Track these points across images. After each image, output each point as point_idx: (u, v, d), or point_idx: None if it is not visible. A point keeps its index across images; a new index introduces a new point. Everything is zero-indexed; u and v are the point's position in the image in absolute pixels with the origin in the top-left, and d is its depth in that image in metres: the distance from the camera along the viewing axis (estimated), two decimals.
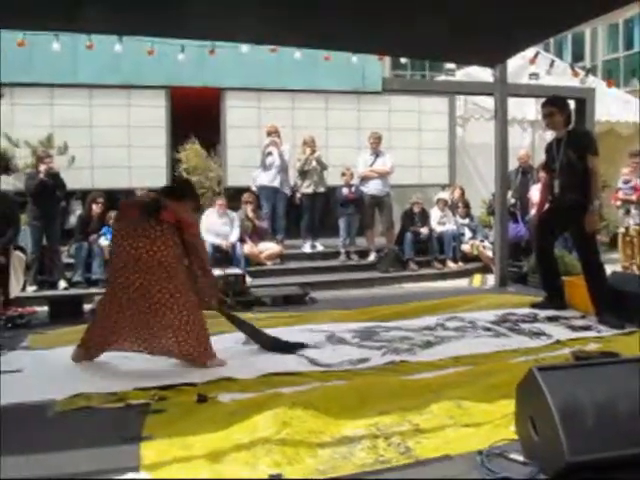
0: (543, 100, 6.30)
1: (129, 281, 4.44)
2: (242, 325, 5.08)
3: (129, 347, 4.55)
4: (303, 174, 10.59)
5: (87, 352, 4.62)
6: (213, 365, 4.47)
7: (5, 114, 9.73)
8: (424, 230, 10.75)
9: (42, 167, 8.58)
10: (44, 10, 5.37)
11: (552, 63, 12.00)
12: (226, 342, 5.11)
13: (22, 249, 8.32)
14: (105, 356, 4.70)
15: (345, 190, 10.62)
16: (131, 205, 4.82)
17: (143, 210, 4.51)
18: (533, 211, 10.03)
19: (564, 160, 5.89)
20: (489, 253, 10.17)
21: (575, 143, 5.87)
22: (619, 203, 9.98)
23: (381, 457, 2.96)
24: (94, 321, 4.68)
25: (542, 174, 9.40)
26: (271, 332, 5.44)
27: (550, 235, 6.30)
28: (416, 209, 10.93)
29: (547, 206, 6.35)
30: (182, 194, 4.81)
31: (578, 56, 33.21)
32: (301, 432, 3.15)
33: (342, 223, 10.63)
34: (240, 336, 5.29)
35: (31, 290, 8.44)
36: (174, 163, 11.34)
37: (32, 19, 5.82)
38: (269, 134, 10.53)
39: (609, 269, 6.39)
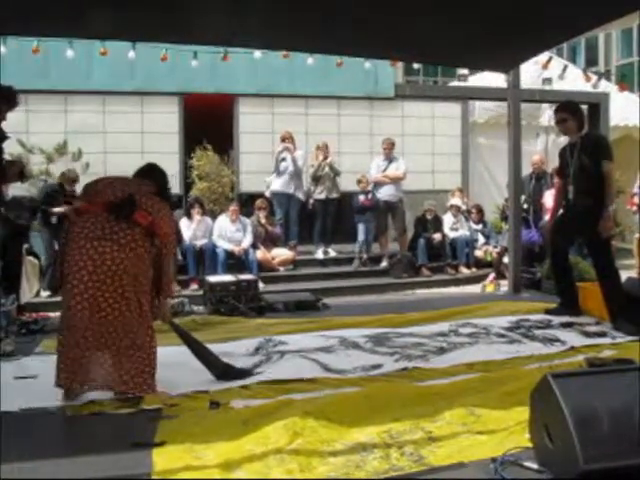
0: (556, 106, 6.27)
1: (84, 291, 3.82)
2: (193, 344, 4.50)
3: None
4: (316, 180, 10.60)
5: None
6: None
7: (19, 121, 9.80)
8: (437, 236, 10.73)
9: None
10: (53, 15, 5.40)
11: (565, 68, 11.96)
12: (235, 349, 5.12)
13: (35, 255, 8.37)
14: None
15: (361, 197, 10.61)
16: (99, 199, 4.04)
17: (114, 209, 3.93)
18: (547, 217, 10.00)
19: (578, 165, 5.85)
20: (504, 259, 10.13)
21: (589, 148, 5.83)
22: (634, 208, 9.92)
23: (394, 466, 2.94)
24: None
25: (556, 179, 9.41)
26: (284, 338, 5.45)
27: (565, 240, 6.26)
28: (429, 215, 10.92)
29: (561, 211, 6.32)
30: (149, 174, 4.35)
31: (592, 61, 33.06)
32: (313, 442, 3.14)
33: (360, 229, 10.61)
34: (252, 343, 5.30)
35: (45, 295, 8.47)
36: (187, 169, 11.37)
37: (40, 25, 5.85)
38: (283, 140, 10.54)
39: (624, 275, 6.34)
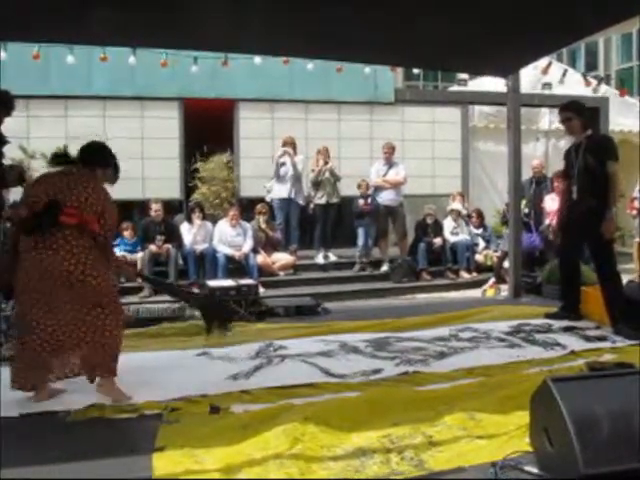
0: (560, 105, 6.27)
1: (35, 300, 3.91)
2: (168, 287, 4.54)
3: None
4: (316, 185, 10.60)
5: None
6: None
7: (20, 126, 9.81)
8: (437, 240, 10.73)
9: None
10: (54, 20, 5.42)
11: (565, 72, 11.98)
12: (236, 353, 5.12)
13: None
14: (119, 366, 4.71)
15: (361, 201, 10.62)
16: (24, 214, 4.05)
17: (38, 220, 3.93)
18: (547, 221, 10.01)
19: (582, 165, 5.82)
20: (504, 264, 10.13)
21: (595, 148, 5.82)
22: (634, 213, 9.92)
23: (394, 471, 2.93)
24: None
25: (557, 183, 9.41)
26: (284, 343, 5.44)
27: (573, 242, 6.19)
28: (429, 220, 10.92)
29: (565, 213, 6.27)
30: (90, 160, 4.26)
31: (592, 66, 33.10)
32: (313, 448, 3.14)
33: (361, 234, 10.61)
34: (253, 347, 5.30)
35: None
36: (188, 174, 11.38)
37: (41, 30, 5.87)
38: (285, 144, 10.54)
39: (625, 279, 6.34)
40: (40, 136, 10.41)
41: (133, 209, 11.60)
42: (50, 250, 3.90)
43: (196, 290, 4.25)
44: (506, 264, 9.30)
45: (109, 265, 4.18)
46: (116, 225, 4.41)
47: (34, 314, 3.91)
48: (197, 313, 6.03)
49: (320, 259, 10.72)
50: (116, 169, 4.50)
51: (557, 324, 6.01)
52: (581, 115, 5.98)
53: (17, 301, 4.13)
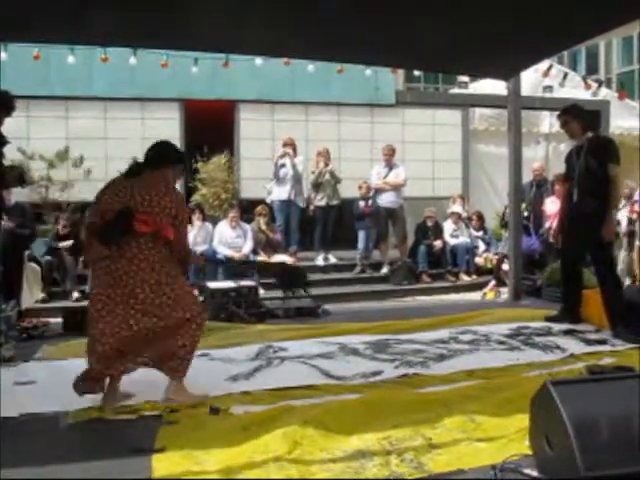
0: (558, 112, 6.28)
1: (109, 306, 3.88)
2: None
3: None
4: (316, 187, 10.60)
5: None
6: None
7: (20, 127, 9.82)
8: (437, 243, 10.73)
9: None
10: (54, 21, 5.42)
11: (566, 76, 11.97)
12: (236, 354, 5.12)
13: (37, 260, 8.37)
14: None
15: (362, 203, 10.62)
16: (97, 222, 4.01)
17: (111, 228, 3.91)
18: (547, 224, 10.01)
19: (584, 167, 5.81)
20: (504, 266, 10.13)
21: (596, 150, 5.81)
22: (635, 216, 9.92)
23: (394, 473, 2.93)
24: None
25: (558, 186, 9.41)
26: (284, 344, 5.45)
27: (574, 244, 6.17)
28: (429, 222, 10.92)
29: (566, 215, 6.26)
30: (159, 160, 4.13)
31: (593, 69, 33.15)
32: (313, 451, 3.14)
33: (361, 236, 10.61)
34: (253, 349, 5.29)
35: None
36: (189, 175, 11.36)
37: (41, 31, 5.87)
38: (285, 146, 10.54)
39: (624, 282, 6.34)
40: (40, 137, 10.43)
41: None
42: (124, 259, 3.86)
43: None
44: (505, 267, 9.30)
45: (183, 269, 4.17)
46: (187, 222, 4.30)
47: (106, 322, 3.84)
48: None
49: (320, 261, 10.72)
50: (183, 162, 4.39)
51: (557, 327, 6.01)
52: (579, 118, 5.99)
53: (89, 305, 4.03)
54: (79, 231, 9.32)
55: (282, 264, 4.15)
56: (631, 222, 10.01)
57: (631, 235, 10.03)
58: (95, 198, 4.12)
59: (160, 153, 4.19)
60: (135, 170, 4.12)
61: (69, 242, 8.92)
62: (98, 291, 3.91)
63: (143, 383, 4.35)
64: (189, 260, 4.43)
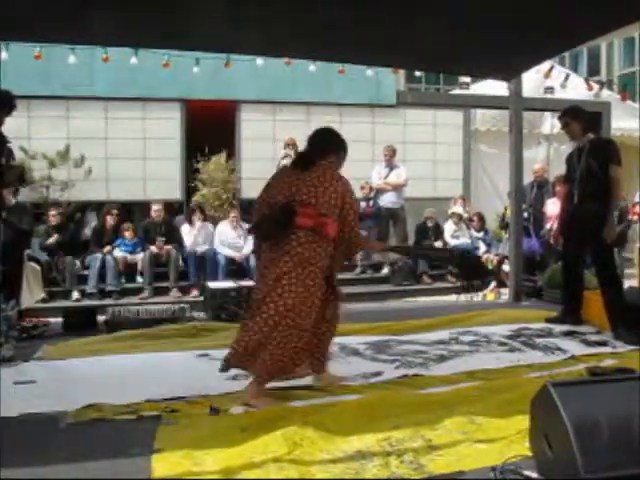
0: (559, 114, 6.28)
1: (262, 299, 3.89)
2: (417, 250, 4.37)
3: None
4: None
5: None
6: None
7: (21, 126, 9.82)
8: (438, 244, 10.72)
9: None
10: (55, 20, 5.42)
11: (567, 77, 11.97)
12: None
13: (37, 260, 8.37)
14: (118, 367, 4.71)
15: (363, 204, 10.61)
16: (262, 216, 4.04)
17: (273, 224, 3.89)
18: (548, 225, 10.00)
19: (585, 168, 5.81)
20: (504, 267, 10.13)
21: (597, 151, 5.80)
22: (635, 218, 9.91)
23: (394, 474, 2.93)
24: None
25: (559, 188, 9.39)
26: None
27: (575, 246, 6.17)
28: (429, 223, 10.91)
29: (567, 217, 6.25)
30: (324, 149, 4.10)
31: (594, 70, 33.12)
32: (312, 452, 3.13)
33: None
34: None
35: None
36: (190, 174, 11.37)
37: (42, 31, 5.87)
38: (287, 146, 10.54)
39: (625, 284, 6.33)
40: (41, 137, 10.42)
41: (134, 210, 11.59)
42: (286, 255, 3.84)
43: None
44: (506, 268, 9.29)
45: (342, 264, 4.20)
46: (356, 211, 4.21)
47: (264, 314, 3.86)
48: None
49: None
50: (346, 150, 4.30)
51: (558, 328, 6.00)
52: (579, 119, 5.98)
53: (254, 293, 4.08)
54: (71, 227, 9.38)
55: (456, 251, 3.86)
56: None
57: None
58: (262, 192, 4.14)
59: (326, 141, 4.17)
60: (302, 160, 4.09)
61: (56, 236, 8.83)
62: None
63: (143, 384, 4.35)
64: (360, 246, 4.36)
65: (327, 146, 4.11)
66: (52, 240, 8.81)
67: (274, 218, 3.87)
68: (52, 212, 9.08)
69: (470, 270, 3.83)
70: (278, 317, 3.81)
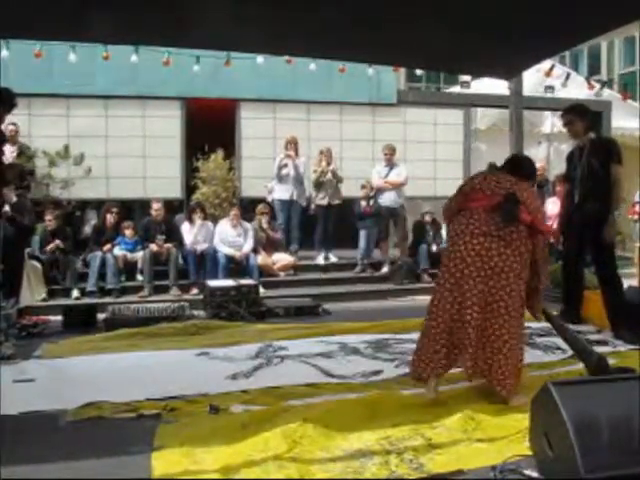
0: (563, 109, 6.26)
1: (474, 287, 3.83)
2: (568, 337, 4.28)
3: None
4: (318, 186, 10.58)
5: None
6: (514, 402, 3.78)
7: (22, 124, 9.81)
8: (435, 243, 10.68)
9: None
10: (55, 18, 5.41)
11: (568, 76, 11.96)
12: (236, 353, 5.12)
13: (37, 258, 8.36)
14: (118, 365, 4.71)
15: (363, 203, 10.59)
16: (477, 196, 4.08)
17: (501, 209, 3.88)
18: (548, 224, 9.99)
19: (586, 168, 5.80)
20: None
21: (598, 151, 5.79)
22: (635, 217, 9.91)
23: (393, 473, 2.93)
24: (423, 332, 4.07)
25: (559, 187, 9.39)
26: (284, 344, 5.44)
27: (575, 245, 6.17)
28: (427, 218, 10.86)
29: (567, 216, 6.25)
30: (523, 171, 4.20)
31: (594, 69, 33.08)
32: (312, 450, 3.13)
33: (362, 236, 10.58)
34: (253, 348, 5.28)
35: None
36: (190, 173, 11.36)
37: (42, 28, 5.86)
38: (287, 144, 10.52)
39: (625, 284, 6.32)
40: (42, 135, 10.41)
41: (134, 208, 11.58)
42: (504, 244, 3.84)
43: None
44: None
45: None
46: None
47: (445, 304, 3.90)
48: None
49: (321, 260, 10.70)
50: (534, 179, 4.52)
51: None
52: (583, 118, 5.97)
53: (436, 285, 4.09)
54: (68, 228, 9.35)
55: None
56: None
57: None
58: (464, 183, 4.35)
59: (521, 166, 4.33)
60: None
61: (57, 242, 8.79)
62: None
63: (143, 382, 4.36)
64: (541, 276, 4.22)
65: (522, 171, 4.25)
66: (52, 246, 8.79)
67: (507, 205, 3.88)
68: (48, 217, 9.03)
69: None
70: None
